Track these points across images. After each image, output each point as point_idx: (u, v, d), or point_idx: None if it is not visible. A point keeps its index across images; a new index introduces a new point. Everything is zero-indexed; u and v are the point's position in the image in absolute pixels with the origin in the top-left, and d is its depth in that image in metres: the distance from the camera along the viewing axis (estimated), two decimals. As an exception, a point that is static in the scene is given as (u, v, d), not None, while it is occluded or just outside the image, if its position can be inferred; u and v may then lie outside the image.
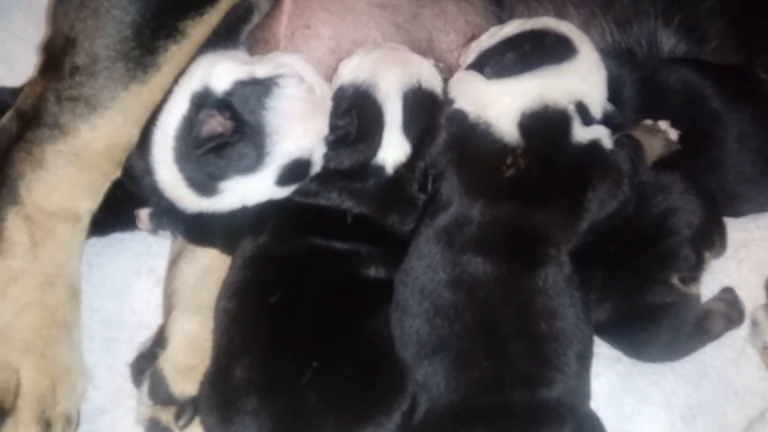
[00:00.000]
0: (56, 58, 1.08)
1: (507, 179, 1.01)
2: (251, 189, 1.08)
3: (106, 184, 1.11)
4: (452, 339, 0.98)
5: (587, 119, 1.05)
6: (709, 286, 1.17)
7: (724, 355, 1.18)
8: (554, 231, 1.01)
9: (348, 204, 1.07)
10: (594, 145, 1.05)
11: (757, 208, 1.25)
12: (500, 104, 1.04)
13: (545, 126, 1.03)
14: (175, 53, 1.09)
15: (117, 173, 1.11)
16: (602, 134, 1.06)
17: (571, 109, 1.04)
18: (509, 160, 1.02)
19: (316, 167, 1.09)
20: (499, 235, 1.01)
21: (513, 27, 1.13)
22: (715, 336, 1.13)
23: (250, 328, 1.02)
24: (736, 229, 1.21)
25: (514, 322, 0.98)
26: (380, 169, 1.07)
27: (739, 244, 1.23)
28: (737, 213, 1.24)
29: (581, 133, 1.04)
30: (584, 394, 1.01)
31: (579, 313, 1.00)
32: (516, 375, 0.96)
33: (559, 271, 1.00)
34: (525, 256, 1.00)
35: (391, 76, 1.08)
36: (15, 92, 1.17)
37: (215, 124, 1.05)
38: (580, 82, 1.06)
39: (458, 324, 0.98)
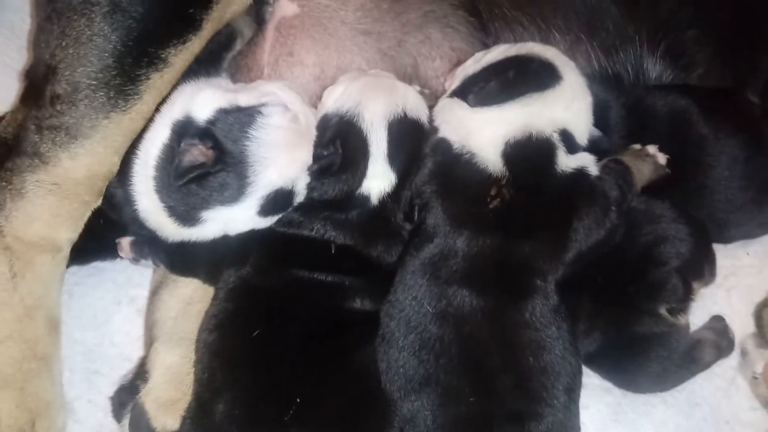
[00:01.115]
0: (37, 86, 1.07)
1: (492, 210, 1.00)
2: (233, 219, 1.06)
3: (86, 214, 1.09)
4: (439, 373, 0.97)
5: (572, 147, 1.04)
6: (698, 314, 1.16)
7: (715, 384, 1.17)
8: (540, 262, 1.00)
9: (332, 234, 1.06)
10: (579, 174, 1.03)
11: (747, 235, 1.24)
12: (484, 133, 1.03)
13: (529, 155, 1.02)
14: (157, 81, 1.07)
15: (98, 202, 1.10)
16: (588, 162, 1.05)
17: (555, 137, 1.03)
18: (493, 191, 1.00)
19: (300, 197, 1.08)
20: (485, 267, 0.99)
21: (498, 52, 1.12)
22: (705, 366, 1.12)
23: (232, 362, 1.00)
24: (725, 256, 1.20)
25: (500, 355, 0.96)
26: (365, 199, 1.06)
27: (728, 272, 1.22)
28: (727, 239, 1.23)
29: (566, 162, 1.03)
30: (574, 426, 1.00)
31: (566, 344, 0.99)
32: (504, 410, 0.95)
33: (546, 303, 0.99)
34: (511, 288, 0.99)
35: (375, 104, 1.07)
36: (-4, 120, 1.15)
37: (197, 153, 1.04)
38: (564, 109, 1.05)
39: (444, 358, 0.97)
